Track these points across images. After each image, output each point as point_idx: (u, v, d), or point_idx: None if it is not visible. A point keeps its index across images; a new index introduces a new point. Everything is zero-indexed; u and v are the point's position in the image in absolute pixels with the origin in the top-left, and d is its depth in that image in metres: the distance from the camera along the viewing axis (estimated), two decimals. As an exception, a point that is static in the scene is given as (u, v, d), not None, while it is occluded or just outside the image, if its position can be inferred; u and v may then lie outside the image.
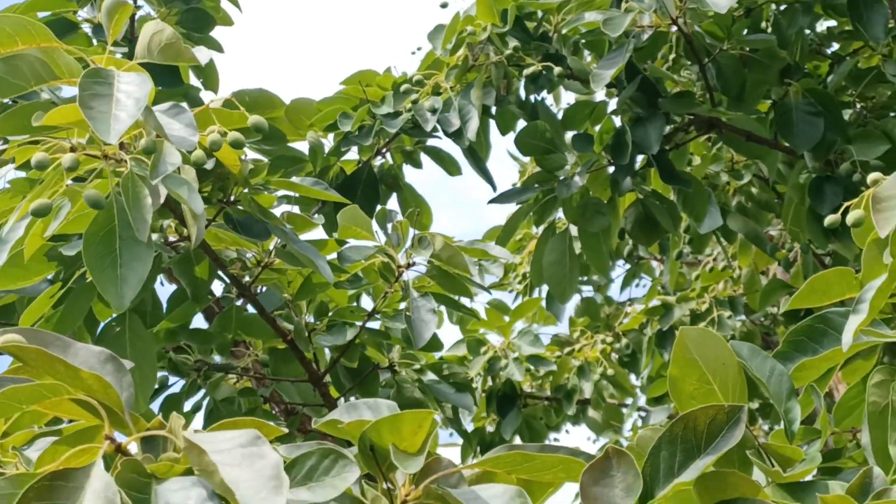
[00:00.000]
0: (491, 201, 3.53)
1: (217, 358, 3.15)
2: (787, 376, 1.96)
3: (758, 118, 3.86)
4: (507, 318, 4.85)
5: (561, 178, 3.52)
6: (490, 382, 4.72)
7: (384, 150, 3.67)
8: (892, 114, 3.79)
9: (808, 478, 1.81)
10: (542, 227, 3.67)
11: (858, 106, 3.90)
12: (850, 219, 2.02)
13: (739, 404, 1.58)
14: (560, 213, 3.73)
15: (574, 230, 3.76)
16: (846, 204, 2.05)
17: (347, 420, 1.57)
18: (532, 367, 4.98)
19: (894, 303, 2.04)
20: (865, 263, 2.01)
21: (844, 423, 2.19)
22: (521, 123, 3.70)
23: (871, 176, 1.98)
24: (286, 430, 1.53)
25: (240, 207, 2.53)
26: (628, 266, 6.41)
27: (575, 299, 6.13)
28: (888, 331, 2.01)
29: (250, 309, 2.91)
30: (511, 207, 3.84)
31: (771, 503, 1.50)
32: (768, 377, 1.98)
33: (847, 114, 3.86)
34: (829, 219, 2.15)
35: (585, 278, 5.86)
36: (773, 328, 5.24)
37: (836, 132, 3.49)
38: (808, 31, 4.12)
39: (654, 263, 6.43)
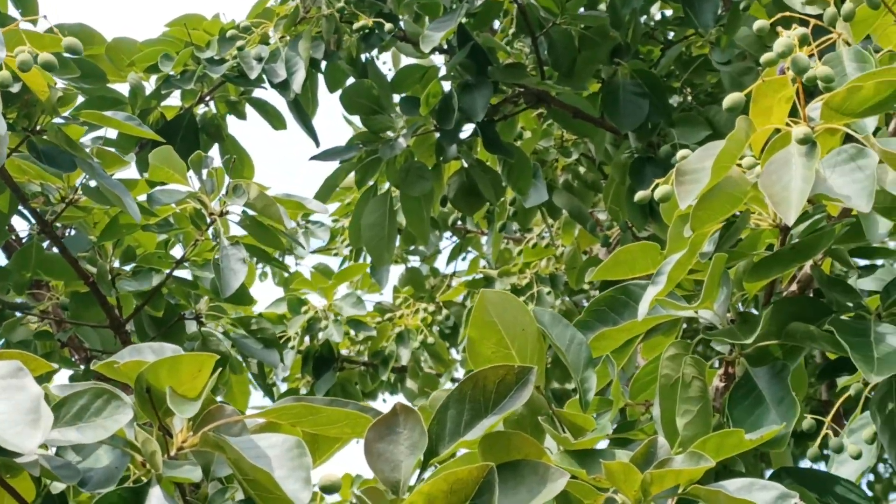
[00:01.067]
0: (313, 158, 3.47)
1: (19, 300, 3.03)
2: (585, 345, 1.97)
3: (587, 96, 3.88)
4: (330, 282, 4.82)
5: (386, 139, 3.48)
6: (308, 342, 4.67)
7: (207, 97, 3.57)
8: (715, 102, 3.86)
9: (598, 446, 1.82)
10: (363, 189, 3.63)
11: (685, 91, 3.96)
12: (657, 193, 2.03)
13: (529, 365, 1.57)
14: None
15: (396, 194, 3.73)
16: (657, 181, 2.06)
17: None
18: (353, 332, 4.96)
19: (696, 279, 2.06)
20: (670, 239, 2.02)
21: (640, 396, 2.21)
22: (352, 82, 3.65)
23: (680, 153, 2.00)
24: (56, 366, 1.46)
25: (45, 137, 2.42)
26: (456, 240, 6.42)
27: (401, 269, 6.11)
28: (683, 306, 2.03)
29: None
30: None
31: (554, 466, 1.48)
32: (567, 345, 1.98)
33: (674, 99, 3.92)
34: (639, 195, 2.16)
35: (413, 248, 5.83)
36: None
37: (660, 115, 3.53)
38: (643, 17, 4.17)
39: (483, 238, 6.45)
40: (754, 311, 2.00)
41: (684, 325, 2.14)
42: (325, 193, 3.45)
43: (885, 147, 1.75)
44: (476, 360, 1.88)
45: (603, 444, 1.94)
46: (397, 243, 5.56)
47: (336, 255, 6.01)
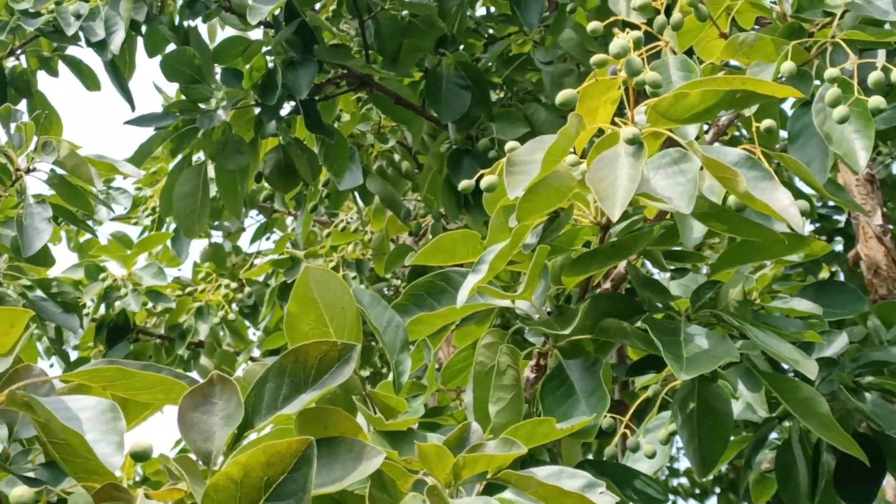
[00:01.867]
0: (128, 122, 3.37)
1: None
2: (402, 328, 1.97)
3: (409, 84, 3.89)
4: (130, 251, 4.69)
5: (204, 109, 3.40)
6: (103, 311, 4.54)
7: (19, 51, 3.43)
8: (535, 100, 3.91)
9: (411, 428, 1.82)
10: (177, 158, 3.54)
11: (505, 88, 4.01)
12: (483, 183, 2.05)
13: (353, 343, 1.56)
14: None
15: (211, 167, 3.66)
16: (482, 171, 2.08)
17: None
18: (151, 303, 4.84)
19: (514, 270, 2.09)
20: (492, 229, 2.04)
21: (451, 383, 2.23)
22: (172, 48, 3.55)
23: (509, 144, 2.02)
24: None
25: None
26: (262, 219, 6.34)
27: (203, 243, 6.00)
28: (503, 294, 2.05)
29: None
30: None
31: (370, 445, 1.48)
32: (385, 327, 1.98)
33: (494, 95, 3.96)
34: (463, 183, 2.18)
35: (217, 223, 5.73)
36: (400, 292, 5.33)
37: (481, 108, 3.57)
38: (469, 12, 4.20)
39: (289, 220, 6.39)
40: (570, 306, 2.03)
41: (498, 318, 2.17)
42: (138, 159, 3.35)
43: (707, 153, 1.81)
44: (293, 335, 1.86)
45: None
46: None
47: (136, 224, 5.86)
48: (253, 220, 6.45)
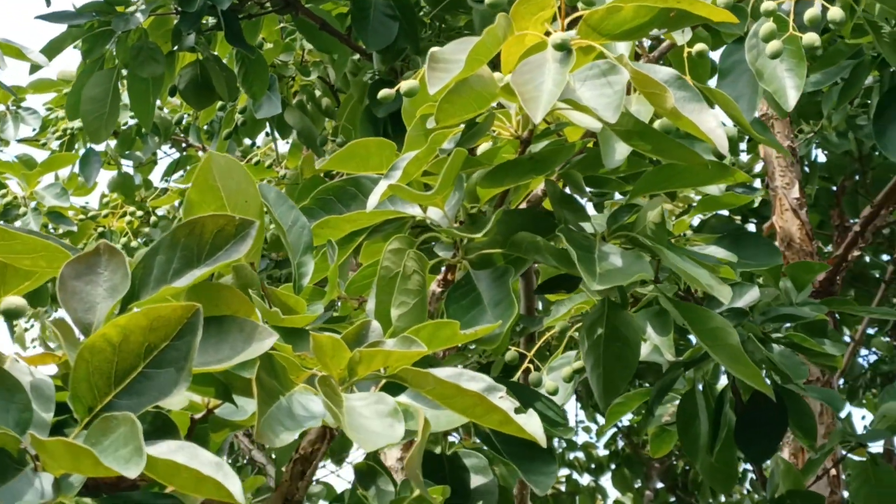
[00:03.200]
0: (40, 17, 3.23)
1: None
2: (308, 230, 1.89)
3: (336, 14, 3.80)
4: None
5: (121, 12, 3.27)
6: (0, 227, 4.37)
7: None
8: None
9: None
10: (88, 60, 3.40)
11: (435, 26, 3.93)
12: (403, 87, 1.97)
13: (252, 219, 1.47)
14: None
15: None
16: (403, 79, 2.00)
17: None
18: (52, 224, 4.69)
19: (428, 181, 2.02)
20: (408, 141, 1.97)
21: (355, 293, 2.16)
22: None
23: (433, 49, 1.94)
24: None
25: None
26: (176, 154, 6.19)
27: (112, 175, 5.83)
28: (418, 209, 1.98)
29: None
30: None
31: (262, 325, 1.39)
32: (290, 227, 1.90)
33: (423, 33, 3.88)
34: (383, 92, 2.09)
35: (128, 152, 5.57)
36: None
37: (407, 40, 3.48)
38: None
39: (202, 154, 6.24)
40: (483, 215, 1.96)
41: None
42: (49, 53, 3.22)
43: (636, 67, 1.75)
44: (192, 223, 1.76)
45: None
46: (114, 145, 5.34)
47: (45, 146, 5.68)
48: (166, 154, 6.29)
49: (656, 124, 1.93)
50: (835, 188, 5.95)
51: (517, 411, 1.48)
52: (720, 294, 1.71)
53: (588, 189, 2.09)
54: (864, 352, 7.53)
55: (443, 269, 2.02)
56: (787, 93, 2.03)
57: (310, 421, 1.44)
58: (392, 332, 1.78)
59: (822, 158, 6.02)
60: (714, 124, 1.72)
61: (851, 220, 5.84)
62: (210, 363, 1.37)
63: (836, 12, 1.99)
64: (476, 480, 1.91)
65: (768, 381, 2.63)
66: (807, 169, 5.72)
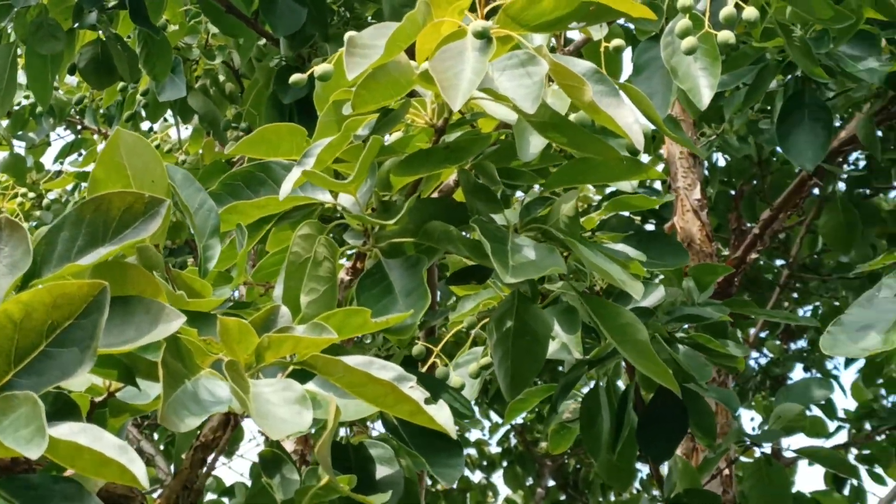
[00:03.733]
0: (-66, -12, 3.12)
1: None
2: (215, 213, 1.85)
3: (244, -1, 3.74)
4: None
5: (21, -13, 3.18)
6: None
7: None
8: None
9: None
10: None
11: (343, 15, 3.89)
12: (318, 70, 1.94)
13: (163, 198, 1.43)
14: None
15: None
16: (316, 61, 1.96)
17: None
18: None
19: (340, 170, 1.99)
20: (320, 126, 1.94)
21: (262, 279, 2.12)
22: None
23: (349, 33, 1.90)
24: None
25: None
26: (71, 136, 6.04)
27: (2, 154, 5.67)
28: (328, 196, 1.95)
29: None
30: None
31: (170, 307, 1.35)
32: (196, 209, 1.86)
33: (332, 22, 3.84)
34: (295, 77, 2.06)
35: (20, 133, 5.43)
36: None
37: (316, 27, 3.44)
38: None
39: (97, 137, 6.10)
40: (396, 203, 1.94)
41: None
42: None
43: (556, 59, 1.74)
44: (96, 201, 1.70)
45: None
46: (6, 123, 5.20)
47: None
48: (60, 137, 6.14)
49: (572, 118, 1.92)
50: (734, 192, 6.04)
51: (427, 402, 1.46)
52: (632, 290, 1.71)
53: (501, 180, 2.08)
54: (754, 354, 7.68)
55: (354, 254, 1.99)
56: (701, 91, 2.04)
57: (216, 406, 1.40)
58: (301, 318, 1.74)
59: (721, 162, 6.12)
60: (631, 119, 1.72)
61: (749, 224, 5.93)
62: (114, 344, 1.32)
63: (751, 11, 2.00)
64: (382, 471, 1.89)
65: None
66: (707, 172, 5.80)
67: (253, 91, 3.67)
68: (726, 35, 2.00)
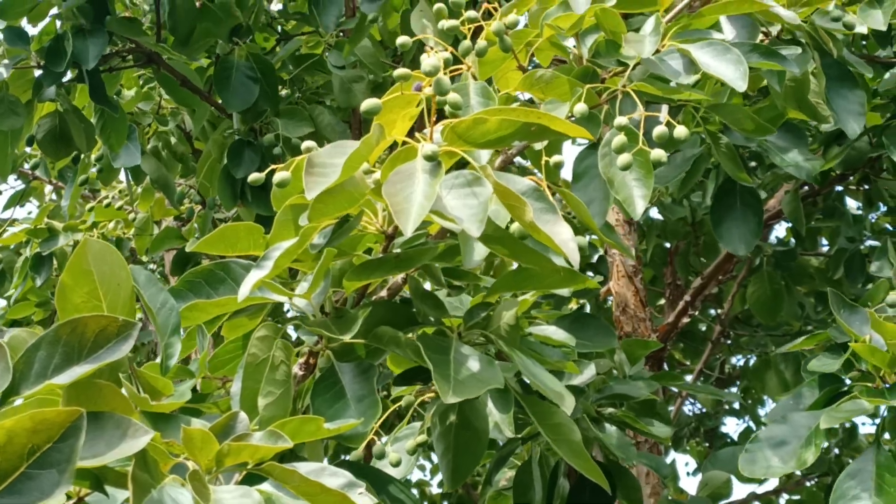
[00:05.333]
0: None
1: None
2: (176, 312, 1.96)
3: (196, 68, 3.85)
4: None
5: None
6: None
7: None
8: (321, 103, 3.93)
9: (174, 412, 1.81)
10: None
11: (294, 86, 4.01)
12: (276, 178, 2.04)
13: (133, 321, 1.54)
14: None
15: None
16: (274, 167, 2.08)
17: None
18: None
19: (295, 267, 2.10)
20: (277, 225, 2.04)
21: (217, 373, 2.22)
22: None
23: (306, 144, 2.02)
24: None
25: None
26: (21, 185, 6.09)
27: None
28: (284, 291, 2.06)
29: None
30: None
31: (139, 423, 1.46)
32: (159, 309, 1.96)
33: (282, 92, 3.96)
34: (253, 176, 2.17)
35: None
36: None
37: (268, 102, 3.56)
38: (266, 6, 4.19)
39: (48, 188, 6.17)
40: (348, 309, 2.06)
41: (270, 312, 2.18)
42: None
43: (499, 180, 1.86)
44: (65, 306, 1.82)
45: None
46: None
47: None
48: (9, 186, 6.20)
49: (513, 227, 2.05)
50: (669, 245, 6.23)
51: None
52: (564, 405, 1.84)
53: (446, 279, 2.21)
54: (690, 401, 7.86)
55: (307, 351, 2.10)
56: (635, 202, 2.17)
57: (180, 514, 1.50)
58: (258, 420, 1.85)
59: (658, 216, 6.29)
60: (567, 236, 1.85)
61: (682, 281, 6.11)
62: (86, 458, 1.43)
63: (681, 131, 2.14)
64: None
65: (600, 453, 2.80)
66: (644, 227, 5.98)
67: (206, 164, 3.77)
68: (658, 154, 2.13)
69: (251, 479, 1.67)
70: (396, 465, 2.47)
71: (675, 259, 6.21)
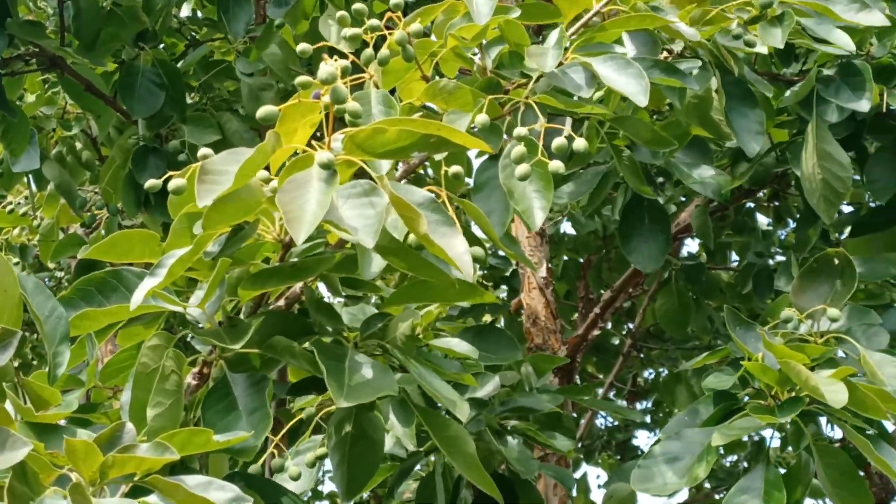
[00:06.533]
0: None
1: None
2: (65, 320, 1.92)
3: (101, 73, 3.79)
4: None
5: None
6: None
7: None
8: (229, 109, 3.90)
9: (61, 423, 1.77)
10: None
11: (202, 93, 3.97)
12: (171, 185, 2.01)
13: (15, 329, 1.51)
14: None
15: None
16: (171, 173, 2.04)
17: None
18: None
19: (191, 276, 2.07)
20: (173, 232, 2.01)
21: (110, 382, 2.18)
22: None
23: (202, 151, 1.99)
24: None
25: None
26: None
27: None
28: (176, 301, 2.03)
29: None
30: None
31: (17, 435, 1.43)
32: (47, 317, 1.92)
33: (190, 98, 3.92)
34: (150, 183, 2.13)
35: None
36: (62, 285, 5.15)
37: (174, 108, 3.51)
38: (175, 11, 4.14)
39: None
40: (242, 318, 2.03)
41: (165, 321, 2.14)
42: None
43: (395, 191, 1.84)
44: (-51, 314, 1.77)
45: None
46: None
47: None
48: None
49: (410, 238, 2.03)
50: (581, 260, 6.26)
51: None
52: (459, 413, 1.83)
53: (344, 290, 2.19)
54: (602, 414, 7.90)
55: (200, 360, 2.07)
56: (534, 213, 2.17)
57: (58, 528, 1.47)
58: (147, 431, 1.82)
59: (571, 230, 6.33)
60: (462, 249, 1.83)
61: (595, 295, 6.14)
62: (-39, 470, 1.39)
63: (580, 143, 2.15)
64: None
65: (503, 466, 2.80)
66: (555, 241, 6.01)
67: (110, 170, 3.71)
68: (557, 165, 2.13)
69: (137, 491, 1.64)
70: (296, 478, 2.44)
71: (587, 273, 6.25)
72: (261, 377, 1.87)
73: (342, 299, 2.29)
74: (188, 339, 2.10)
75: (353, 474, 2.06)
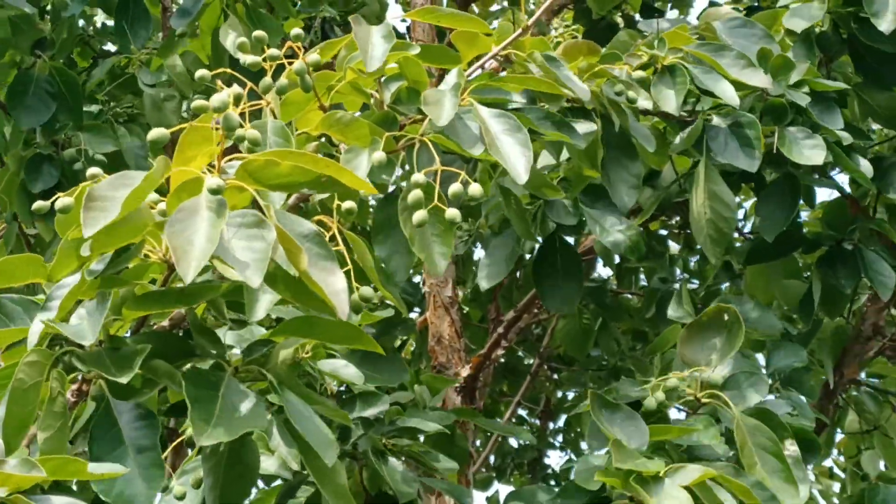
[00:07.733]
0: None
1: None
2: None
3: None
4: None
5: None
6: None
7: None
8: (132, 121, 3.87)
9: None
10: None
11: (106, 102, 3.94)
12: (58, 204, 1.97)
13: None
14: None
15: None
16: (60, 194, 2.02)
17: None
18: None
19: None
20: (60, 251, 1.98)
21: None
22: None
23: (92, 170, 1.97)
24: None
25: None
26: None
27: None
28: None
29: None
30: None
31: None
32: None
33: (94, 107, 3.87)
34: (37, 204, 2.08)
35: None
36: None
37: (71, 118, 3.47)
38: (81, 22, 4.10)
39: None
40: (126, 339, 2.02)
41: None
42: None
43: (281, 222, 1.83)
44: None
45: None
46: None
47: None
48: None
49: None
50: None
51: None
52: (326, 457, 1.87)
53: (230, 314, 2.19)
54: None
55: (80, 377, 2.05)
56: (436, 260, 2.19)
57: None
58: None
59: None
60: (339, 287, 1.80)
61: (504, 315, 6.19)
62: None
63: (475, 189, 2.16)
64: None
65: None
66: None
67: (5, 177, 3.66)
68: (453, 213, 2.13)
69: (4, 507, 1.64)
70: (181, 498, 2.43)
71: (498, 295, 6.29)
72: (146, 413, 1.87)
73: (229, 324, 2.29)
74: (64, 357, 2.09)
75: (225, 498, 2.07)
